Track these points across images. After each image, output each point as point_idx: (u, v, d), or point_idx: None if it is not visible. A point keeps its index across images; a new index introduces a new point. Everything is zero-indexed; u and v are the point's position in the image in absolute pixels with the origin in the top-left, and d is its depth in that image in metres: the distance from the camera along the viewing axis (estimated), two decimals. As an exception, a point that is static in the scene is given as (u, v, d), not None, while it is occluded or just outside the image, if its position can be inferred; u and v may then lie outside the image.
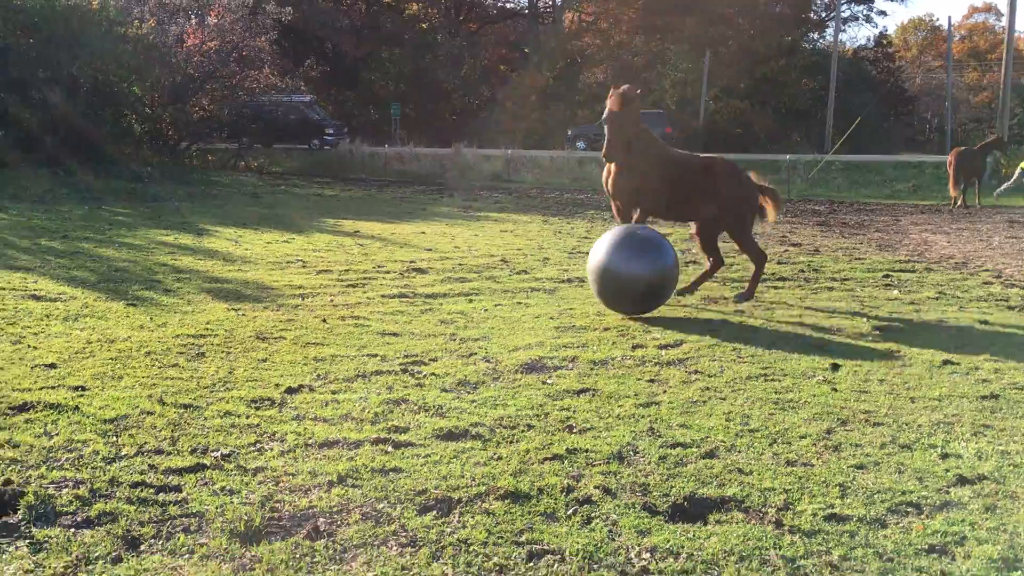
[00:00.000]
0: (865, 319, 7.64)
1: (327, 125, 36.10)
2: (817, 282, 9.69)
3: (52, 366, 5.31)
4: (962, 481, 3.97)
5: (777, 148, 35.41)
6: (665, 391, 5.32)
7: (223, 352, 5.88)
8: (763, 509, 3.64)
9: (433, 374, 5.57)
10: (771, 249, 12.51)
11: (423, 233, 13.52)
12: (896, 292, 9.06)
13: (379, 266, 10.01)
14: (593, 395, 5.21)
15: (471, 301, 8.16)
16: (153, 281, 8.21)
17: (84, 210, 13.48)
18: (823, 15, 50.90)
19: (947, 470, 4.10)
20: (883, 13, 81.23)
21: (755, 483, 3.91)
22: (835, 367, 5.93)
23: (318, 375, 5.46)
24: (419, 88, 43.77)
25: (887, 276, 10.08)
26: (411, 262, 10.36)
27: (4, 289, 7.30)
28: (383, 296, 8.19)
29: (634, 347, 6.44)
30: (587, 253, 8.09)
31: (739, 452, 4.30)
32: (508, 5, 52.99)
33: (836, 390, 5.38)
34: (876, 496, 3.79)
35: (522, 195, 23.00)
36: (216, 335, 6.33)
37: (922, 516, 3.61)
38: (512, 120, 41.75)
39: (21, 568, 2.97)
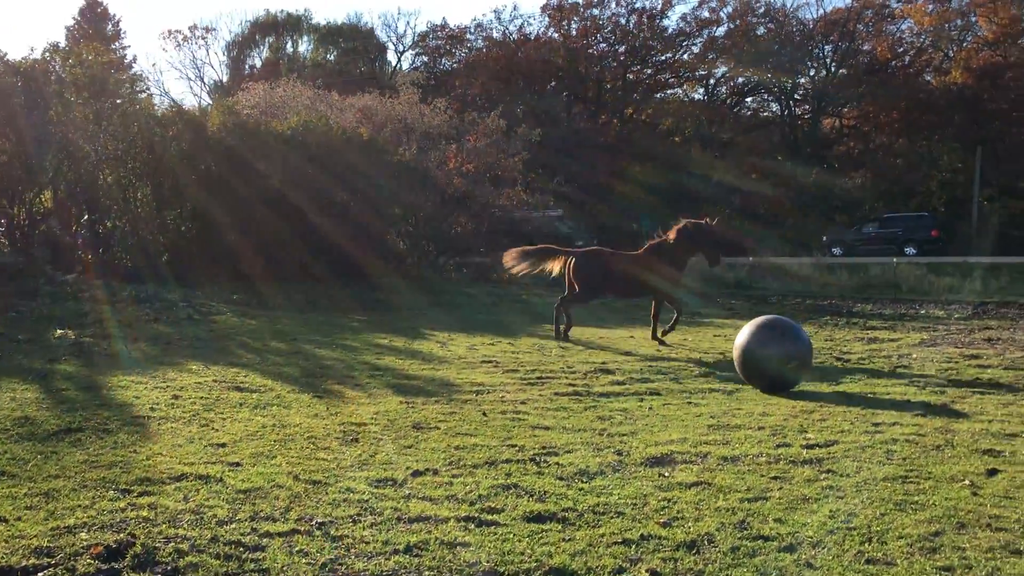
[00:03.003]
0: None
1: (576, 237, 37.37)
2: (1039, 387, 8.79)
3: (222, 445, 6.04)
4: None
5: (1066, 248, 32.15)
6: (782, 487, 5.14)
7: (375, 439, 6.39)
8: (810, 604, 3.48)
9: (558, 463, 5.72)
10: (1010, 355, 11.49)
11: (631, 337, 13.66)
12: None
13: (568, 367, 10.29)
14: (703, 488, 5.14)
15: (641, 400, 8.22)
16: (348, 377, 9.01)
17: (324, 317, 14.92)
18: (1122, 102, 45.97)
19: (1050, 579, 3.69)
20: None
21: (817, 578, 3.73)
22: (992, 472, 5.43)
23: (450, 461, 5.78)
24: (671, 199, 44.27)
25: None
26: (602, 363, 10.55)
27: (216, 381, 8.36)
28: (556, 393, 8.45)
29: (778, 446, 6.23)
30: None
31: (822, 548, 4.11)
32: (763, 114, 52.69)
33: (976, 495, 4.95)
34: (947, 599, 3.50)
35: (759, 302, 22.52)
36: (377, 424, 6.87)
37: (987, 622, 3.30)
38: (764, 227, 41.01)
39: (105, 601, 3.49)
